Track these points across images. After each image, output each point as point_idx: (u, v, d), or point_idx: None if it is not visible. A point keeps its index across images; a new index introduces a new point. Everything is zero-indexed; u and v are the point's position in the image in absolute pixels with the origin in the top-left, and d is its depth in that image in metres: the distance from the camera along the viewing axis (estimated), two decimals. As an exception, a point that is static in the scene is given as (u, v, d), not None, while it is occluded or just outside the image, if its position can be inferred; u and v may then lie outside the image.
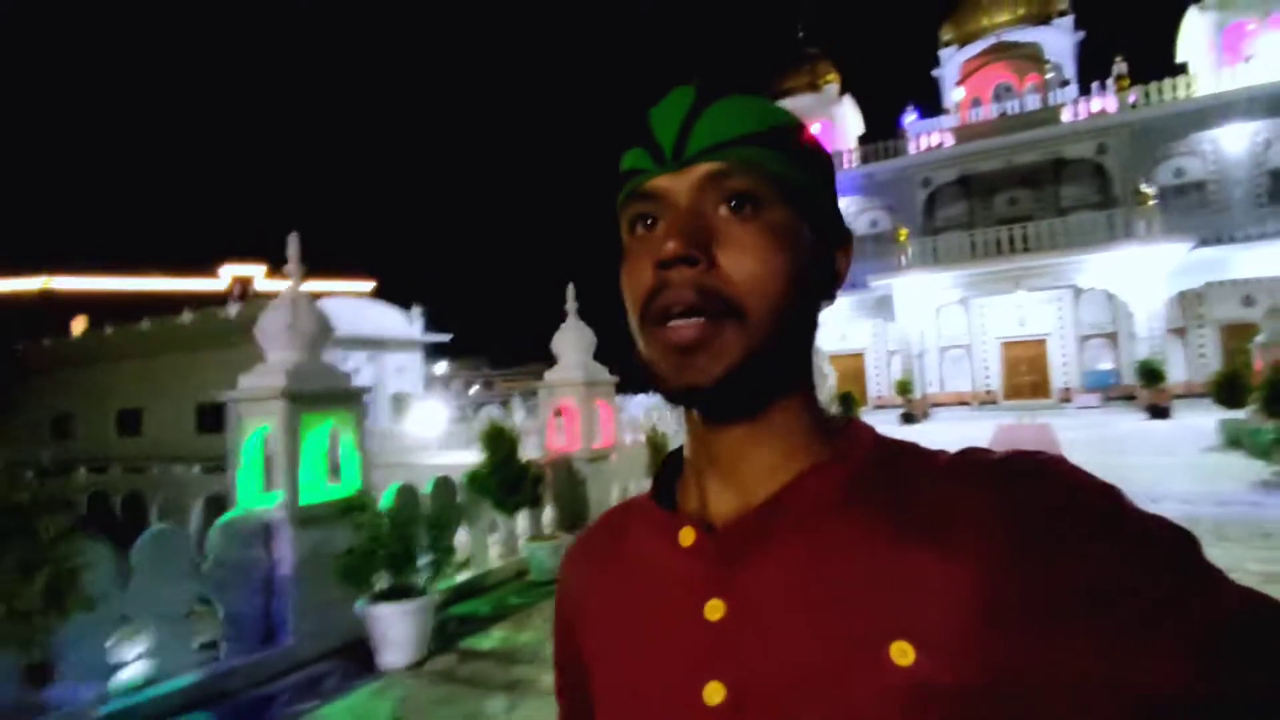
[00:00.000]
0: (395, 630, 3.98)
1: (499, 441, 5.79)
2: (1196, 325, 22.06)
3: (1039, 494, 0.39)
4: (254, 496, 4.39)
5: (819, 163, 0.49)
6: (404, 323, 29.85)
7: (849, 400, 14.40)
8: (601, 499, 7.19)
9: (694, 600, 0.45)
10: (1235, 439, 11.40)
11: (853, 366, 26.58)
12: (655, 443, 7.15)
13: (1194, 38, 23.66)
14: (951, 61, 28.93)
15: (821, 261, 0.48)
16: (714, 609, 0.44)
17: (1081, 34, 27.62)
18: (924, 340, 22.13)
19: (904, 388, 19.87)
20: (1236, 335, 19.75)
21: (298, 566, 4.13)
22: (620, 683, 0.48)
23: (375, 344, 28.50)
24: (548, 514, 6.80)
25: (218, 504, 20.64)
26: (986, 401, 23.92)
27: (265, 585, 4.15)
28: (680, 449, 0.53)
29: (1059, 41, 27.30)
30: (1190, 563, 0.37)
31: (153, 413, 27.64)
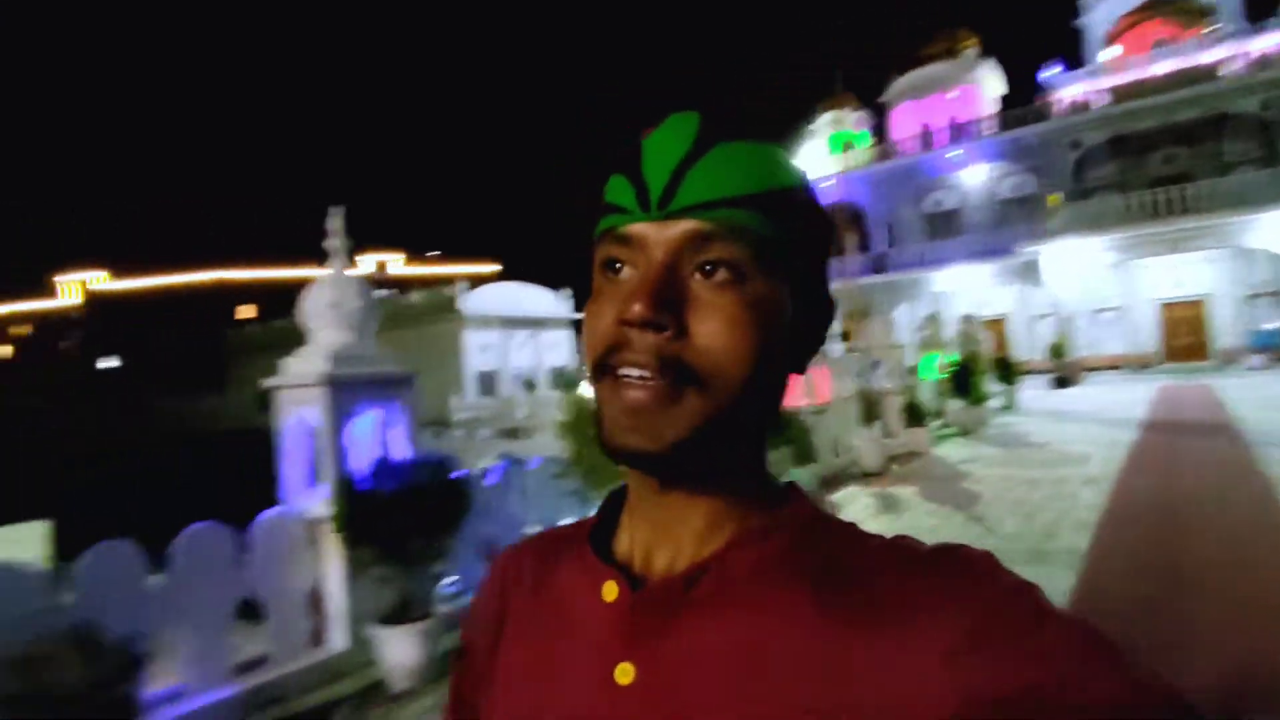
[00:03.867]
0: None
1: (766, 396, 7.78)
2: (1383, 281, 20.99)
3: (974, 588, 0.39)
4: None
5: (815, 229, 0.46)
6: (555, 303, 32.78)
7: (1007, 366, 15.36)
8: (820, 443, 9.07)
9: (606, 659, 0.44)
10: None
11: (994, 332, 26.93)
12: (868, 398, 8.91)
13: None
14: (1097, 9, 27.99)
15: (798, 332, 0.46)
16: (624, 672, 0.43)
17: (1251, -28, 26.07)
18: (1075, 304, 22.33)
19: (1056, 352, 20.32)
20: None
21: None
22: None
23: (534, 323, 31.58)
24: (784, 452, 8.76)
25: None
26: (1142, 364, 23.75)
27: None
28: (624, 487, 0.51)
29: (1223, -17, 25.92)
30: (1115, 659, 0.36)
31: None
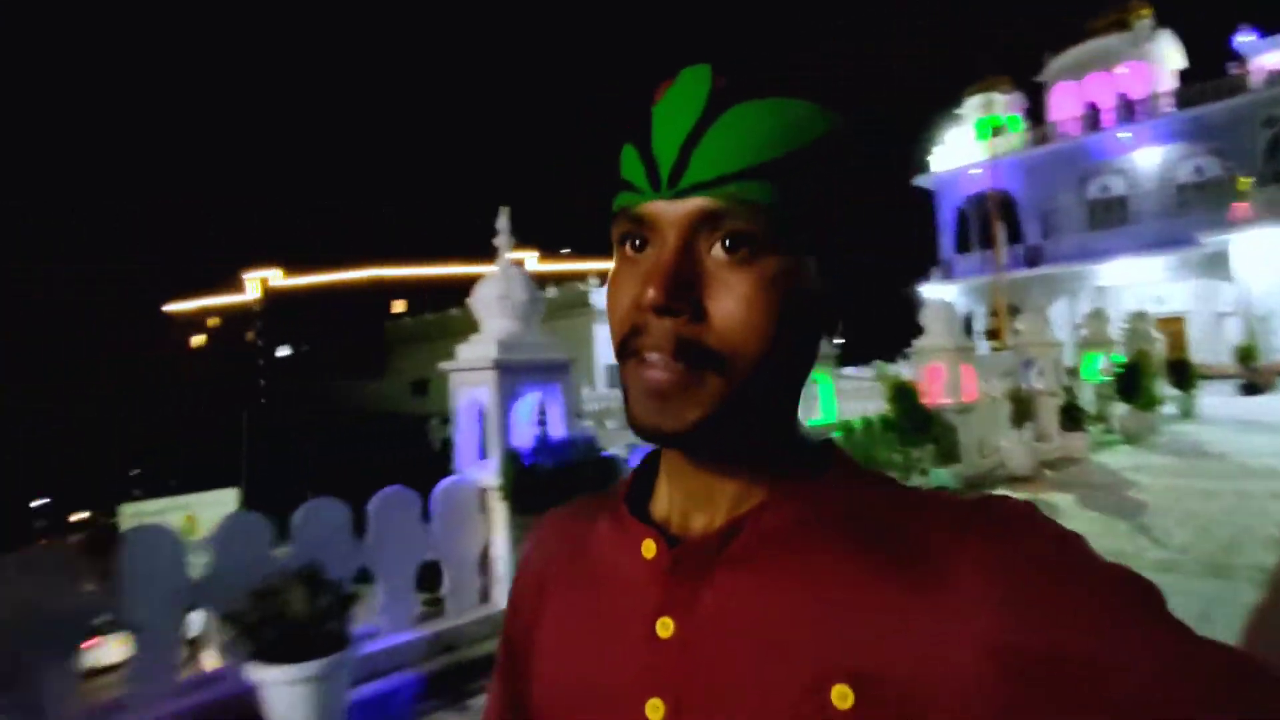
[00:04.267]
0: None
1: (905, 392, 7.58)
2: None
3: (1015, 544, 0.38)
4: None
5: (848, 182, 0.44)
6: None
7: (1183, 368, 13.89)
8: (967, 441, 8.70)
9: (647, 614, 0.45)
10: None
11: (1168, 331, 24.31)
12: (1021, 398, 8.45)
13: None
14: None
15: (830, 297, 0.45)
16: (665, 626, 0.44)
17: None
18: (1271, 301, 19.78)
19: (1246, 354, 18.07)
20: None
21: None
22: (566, 681, 0.48)
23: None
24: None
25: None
26: (1355, 370, 20.61)
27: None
28: (658, 452, 0.50)
29: None
30: (1159, 614, 0.36)
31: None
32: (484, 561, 4.33)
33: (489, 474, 4.28)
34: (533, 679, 0.51)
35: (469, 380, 4.48)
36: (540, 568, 0.55)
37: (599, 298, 29.51)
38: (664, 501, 0.49)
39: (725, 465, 0.45)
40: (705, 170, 0.41)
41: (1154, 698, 0.33)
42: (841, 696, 0.38)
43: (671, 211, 0.42)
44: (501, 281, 4.51)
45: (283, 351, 62.80)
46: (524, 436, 4.38)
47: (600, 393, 26.87)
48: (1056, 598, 0.36)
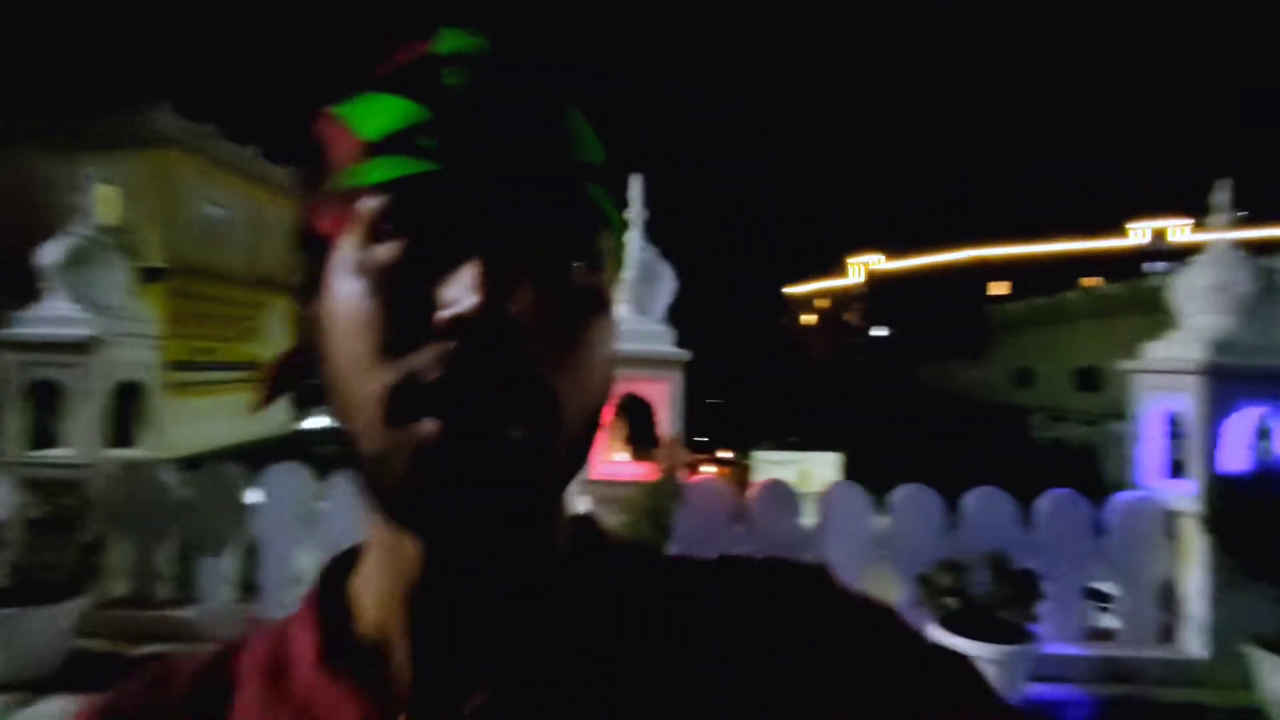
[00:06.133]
0: None
1: None
2: None
3: (814, 615, 0.33)
4: None
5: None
6: None
7: None
8: None
9: None
10: None
11: None
12: None
13: None
14: None
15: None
16: None
17: None
18: None
19: None
20: None
21: None
22: None
23: None
24: None
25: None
26: None
27: None
28: (349, 569, 0.36)
29: None
30: (978, 689, 0.31)
31: (1113, 371, 28.54)
32: (1165, 595, 3.77)
33: (1184, 497, 3.67)
34: None
35: (1161, 384, 3.90)
36: None
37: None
38: (391, 643, 0.33)
39: (496, 564, 0.32)
40: (527, 151, 0.30)
41: None
42: None
43: (486, 199, 0.30)
44: (1218, 268, 3.76)
45: (879, 331, 66.78)
46: (1236, 459, 3.60)
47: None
48: (844, 663, 0.32)
